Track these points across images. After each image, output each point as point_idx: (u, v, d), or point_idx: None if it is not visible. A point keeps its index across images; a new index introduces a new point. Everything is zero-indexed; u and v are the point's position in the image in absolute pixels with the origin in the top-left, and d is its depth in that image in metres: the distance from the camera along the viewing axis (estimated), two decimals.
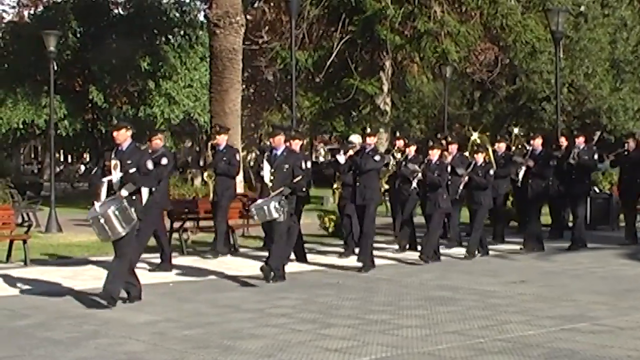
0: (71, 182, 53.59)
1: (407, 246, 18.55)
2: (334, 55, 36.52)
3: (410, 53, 37.93)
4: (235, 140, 24.10)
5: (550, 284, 14.18)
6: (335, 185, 18.50)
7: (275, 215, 13.49)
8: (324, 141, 74.23)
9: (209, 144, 18.39)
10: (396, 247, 18.75)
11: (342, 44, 36.53)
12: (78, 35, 42.94)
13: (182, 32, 44.99)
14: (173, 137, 43.62)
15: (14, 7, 53.19)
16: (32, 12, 50.25)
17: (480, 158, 17.68)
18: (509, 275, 15.16)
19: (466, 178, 17.58)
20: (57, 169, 54.76)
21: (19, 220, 20.63)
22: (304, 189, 15.41)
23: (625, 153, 20.28)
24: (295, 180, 14.11)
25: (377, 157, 15.79)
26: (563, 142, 21.07)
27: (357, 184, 15.82)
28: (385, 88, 38.06)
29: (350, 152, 16.98)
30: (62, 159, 73.28)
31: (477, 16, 36.83)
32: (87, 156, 64.39)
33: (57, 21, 40.61)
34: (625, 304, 12.14)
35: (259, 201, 13.88)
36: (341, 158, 16.97)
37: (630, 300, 12.44)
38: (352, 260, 16.35)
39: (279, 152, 14.26)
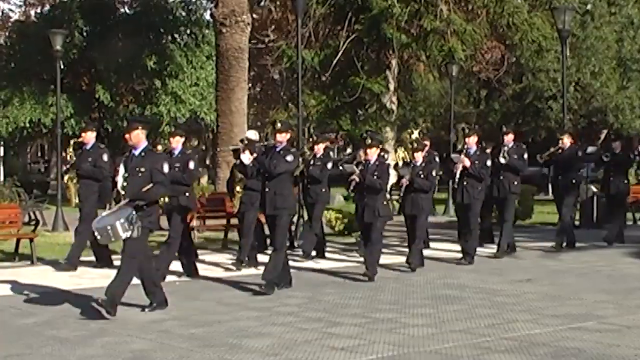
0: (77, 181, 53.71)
1: (314, 253, 17.13)
2: (340, 53, 36.47)
3: (417, 52, 37.82)
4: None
5: (557, 282, 14.18)
6: (237, 188, 15.74)
7: (122, 234, 10.78)
8: (330, 140, 74.13)
9: (72, 142, 17.05)
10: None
11: (348, 43, 36.47)
12: (84, 34, 42.96)
13: (188, 31, 45.01)
14: None
15: (20, 6, 53.28)
16: (38, 11, 50.28)
17: (419, 157, 16.06)
18: (515, 274, 15.15)
19: (405, 180, 15.77)
20: (64, 168, 54.73)
21: (26, 219, 20.71)
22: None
23: (559, 151, 18.75)
24: (145, 189, 11.06)
25: (289, 157, 13.13)
26: (566, 142, 18.89)
27: (267, 189, 13.16)
28: (392, 87, 38.04)
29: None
30: (68, 158, 73.20)
31: (483, 15, 36.74)
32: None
33: (64, 20, 40.63)
34: (632, 302, 12.13)
35: (104, 215, 11.38)
36: (245, 158, 13.62)
37: (636, 299, 12.42)
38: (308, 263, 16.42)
39: (136, 153, 11.38)
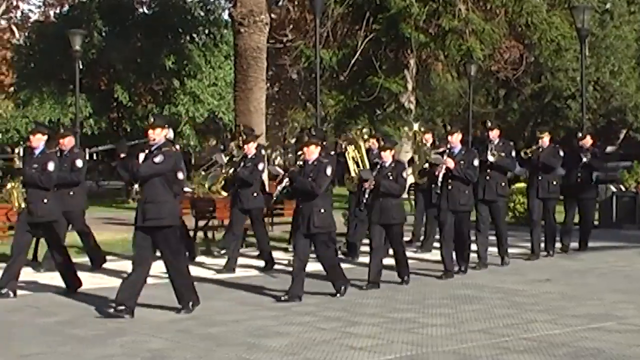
0: (96, 180, 53.67)
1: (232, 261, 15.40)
2: (358, 53, 36.49)
3: (435, 51, 37.85)
4: (261, 139, 24.04)
5: (575, 282, 14.12)
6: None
7: None
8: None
9: (21, 147, 15.92)
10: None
11: (366, 42, 36.48)
12: (103, 34, 43.05)
13: (206, 31, 45.06)
14: (198, 136, 43.63)
15: (39, 7, 53.52)
16: (57, 11, 50.50)
17: (388, 157, 13.80)
18: (533, 274, 15.08)
19: (369, 183, 13.79)
20: None
21: None
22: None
23: (540, 150, 17.28)
24: None
25: (158, 159, 11.08)
26: (588, 141, 18.25)
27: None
28: (410, 86, 38.07)
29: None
30: (87, 158, 73.50)
31: (502, 14, 36.70)
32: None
33: (83, 20, 40.76)
34: None
35: None
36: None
37: None
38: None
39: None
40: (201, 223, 18.76)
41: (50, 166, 12.75)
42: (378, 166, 13.84)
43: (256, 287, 13.53)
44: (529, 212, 17.80)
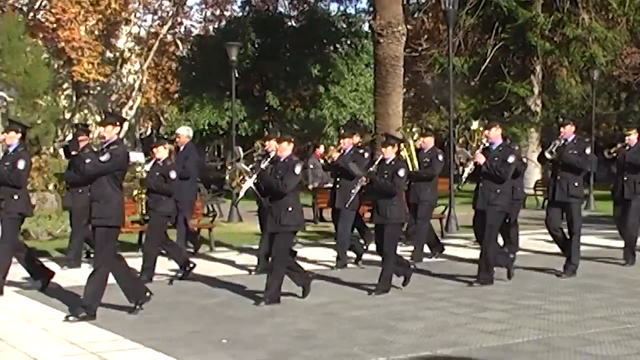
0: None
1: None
2: (488, 60, 36.27)
3: (560, 58, 37.41)
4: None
5: None
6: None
7: None
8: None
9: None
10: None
11: (495, 50, 36.25)
12: (256, 46, 43.68)
13: (348, 42, 45.25)
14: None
15: (200, 22, 54.51)
16: (216, 26, 51.39)
17: (390, 153, 11.94)
18: None
19: (361, 181, 12.34)
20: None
21: (205, 211, 21.18)
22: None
23: (627, 148, 14.65)
24: None
25: (104, 157, 9.92)
26: (632, 138, 14.68)
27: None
28: (536, 90, 37.71)
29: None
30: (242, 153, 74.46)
31: (623, 22, 35.97)
32: None
33: (238, 34, 41.39)
34: None
35: None
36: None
37: None
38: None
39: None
40: None
41: (20, 164, 11.61)
42: (377, 162, 12.04)
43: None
44: (614, 213, 15.23)
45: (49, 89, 40.47)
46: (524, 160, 15.29)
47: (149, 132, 64.86)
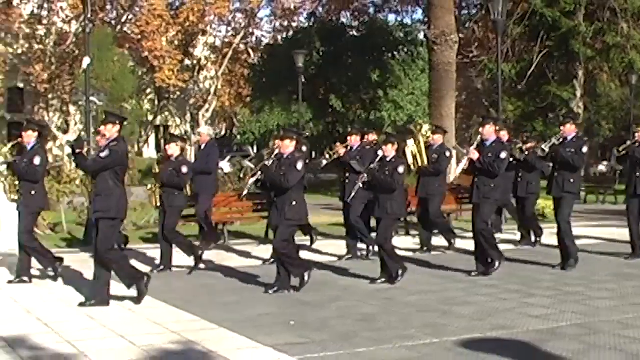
0: (315, 173, 54.70)
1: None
2: (533, 66, 36.18)
3: (600, 63, 37.29)
4: (451, 139, 23.84)
5: None
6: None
7: None
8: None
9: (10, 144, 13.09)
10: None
11: (540, 57, 36.14)
12: (321, 53, 43.84)
13: (405, 49, 45.23)
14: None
15: (270, 33, 54.75)
16: (284, 36, 51.59)
17: (390, 151, 11.56)
18: None
19: (362, 177, 11.94)
20: None
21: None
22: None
23: (637, 145, 13.73)
24: None
25: (104, 154, 9.77)
26: None
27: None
28: (578, 94, 37.47)
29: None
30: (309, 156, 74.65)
31: None
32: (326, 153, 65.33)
33: (304, 43, 41.60)
34: None
35: None
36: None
37: None
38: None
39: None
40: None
41: (36, 160, 11.44)
42: (378, 160, 11.59)
43: (448, 263, 13.42)
44: (627, 212, 14.07)
45: (134, 94, 41.15)
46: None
47: (223, 132, 65.41)
